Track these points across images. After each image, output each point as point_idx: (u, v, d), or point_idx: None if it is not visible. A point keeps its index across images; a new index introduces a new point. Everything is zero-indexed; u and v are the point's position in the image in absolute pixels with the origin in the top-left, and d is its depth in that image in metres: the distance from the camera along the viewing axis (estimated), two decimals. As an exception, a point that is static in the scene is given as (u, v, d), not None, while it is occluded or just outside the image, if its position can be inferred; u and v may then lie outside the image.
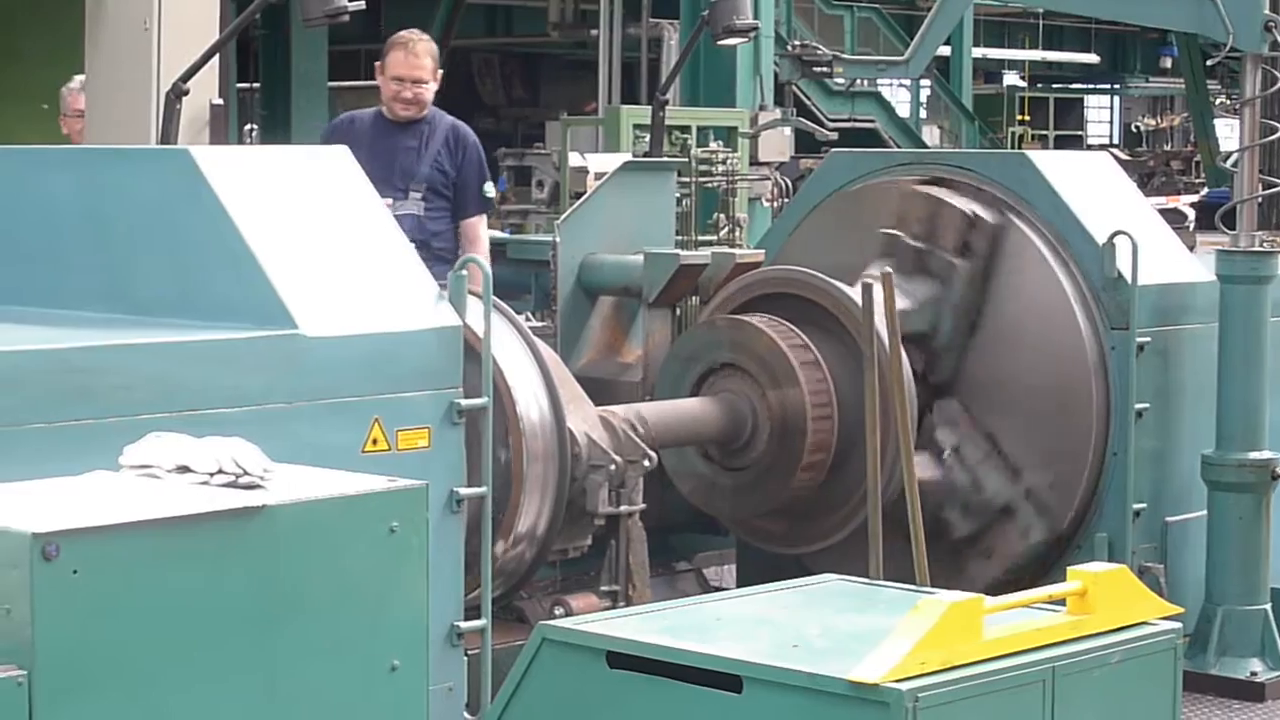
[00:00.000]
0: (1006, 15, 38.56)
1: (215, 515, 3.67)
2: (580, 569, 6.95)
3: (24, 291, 5.40)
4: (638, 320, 7.82)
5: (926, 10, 11.21)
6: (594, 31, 20.88)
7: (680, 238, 9.32)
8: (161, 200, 5.23)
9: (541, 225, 13.63)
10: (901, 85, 33.23)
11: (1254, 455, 7.53)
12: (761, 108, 16.60)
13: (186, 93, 7.00)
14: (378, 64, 8.06)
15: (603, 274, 7.88)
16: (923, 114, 33.00)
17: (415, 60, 7.98)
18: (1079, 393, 7.33)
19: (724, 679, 4.18)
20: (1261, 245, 7.71)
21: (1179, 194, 33.41)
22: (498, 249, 8.38)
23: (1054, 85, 47.36)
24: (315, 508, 3.83)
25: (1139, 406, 7.34)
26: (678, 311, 7.90)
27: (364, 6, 7.11)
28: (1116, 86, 48.50)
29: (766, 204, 14.57)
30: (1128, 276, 7.32)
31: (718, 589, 7.64)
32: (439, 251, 7.69)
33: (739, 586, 7.34)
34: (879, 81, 24.83)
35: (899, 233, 7.56)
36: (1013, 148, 33.09)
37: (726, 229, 11.57)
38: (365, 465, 4.66)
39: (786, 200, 12.85)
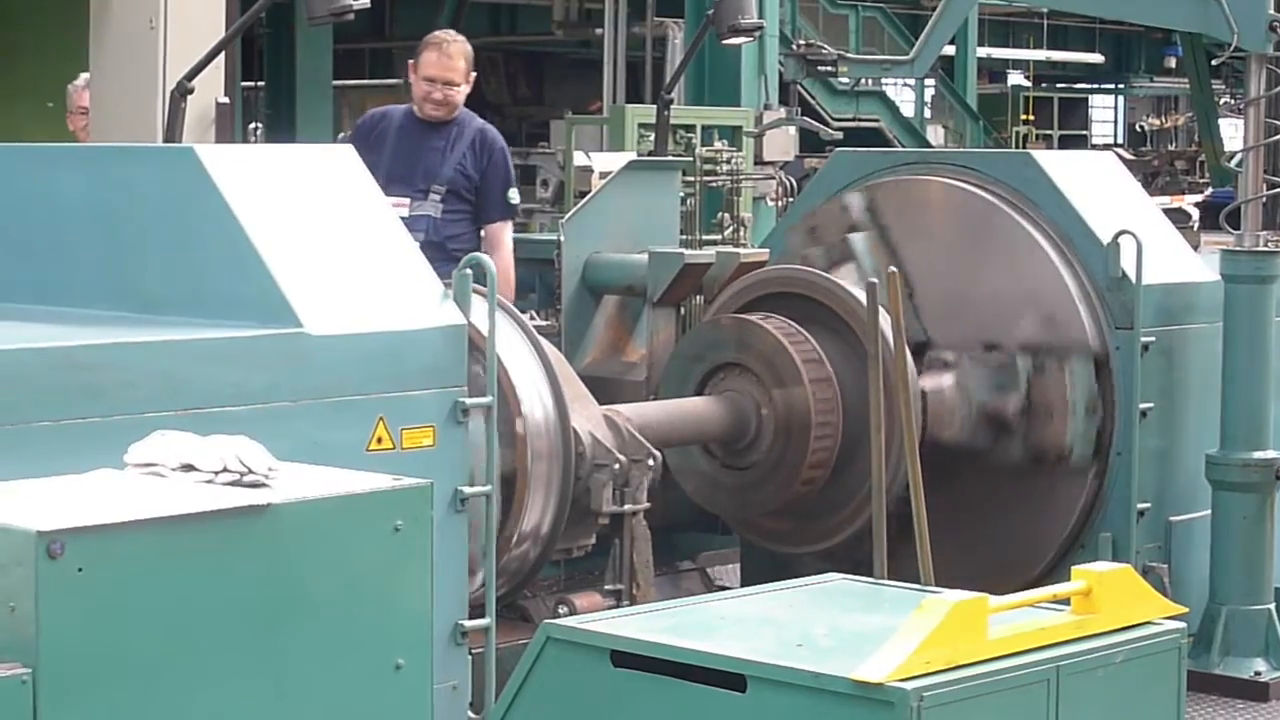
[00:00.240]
0: (1011, 15, 38.57)
1: (220, 514, 3.67)
2: (584, 568, 6.96)
3: (29, 289, 5.39)
4: (642, 319, 7.81)
5: (931, 10, 11.18)
6: (599, 30, 20.85)
7: (685, 237, 9.29)
8: (167, 198, 5.23)
9: (546, 224, 13.61)
10: (906, 85, 33.31)
11: (1258, 455, 7.54)
12: (766, 107, 16.58)
13: (192, 91, 7.01)
14: (410, 62, 8.01)
15: (607, 273, 7.86)
16: (927, 113, 33.02)
17: (449, 62, 7.93)
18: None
19: (728, 678, 4.18)
20: (1266, 245, 7.71)
21: (1183, 194, 33.41)
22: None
23: (1059, 85, 47.34)
24: (320, 506, 3.82)
25: (1143, 406, 7.33)
26: (682, 311, 7.89)
27: (369, 5, 7.11)
28: (1121, 86, 48.50)
29: (771, 203, 14.55)
30: (1132, 276, 7.32)
31: (722, 588, 7.63)
32: (454, 253, 7.63)
33: (743, 586, 7.35)
34: (884, 81, 24.83)
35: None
36: (1017, 147, 33.07)
37: (731, 228, 11.54)
38: (370, 464, 4.64)
39: (791, 199, 12.83)
